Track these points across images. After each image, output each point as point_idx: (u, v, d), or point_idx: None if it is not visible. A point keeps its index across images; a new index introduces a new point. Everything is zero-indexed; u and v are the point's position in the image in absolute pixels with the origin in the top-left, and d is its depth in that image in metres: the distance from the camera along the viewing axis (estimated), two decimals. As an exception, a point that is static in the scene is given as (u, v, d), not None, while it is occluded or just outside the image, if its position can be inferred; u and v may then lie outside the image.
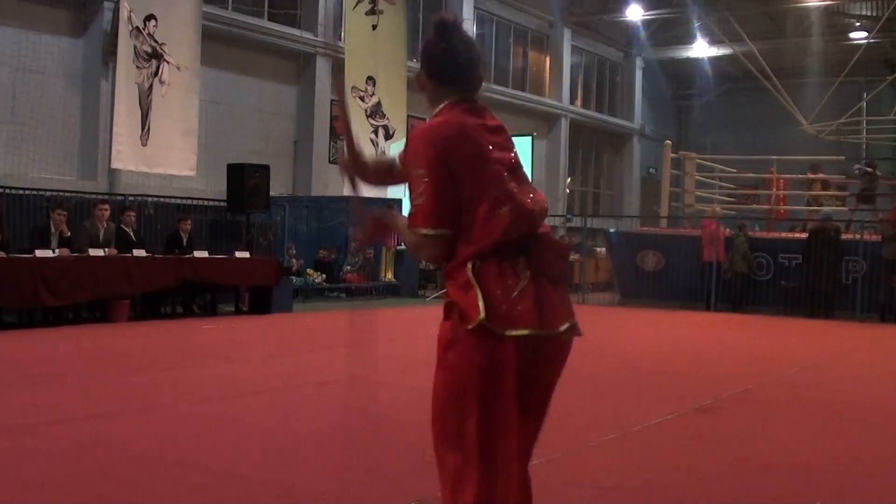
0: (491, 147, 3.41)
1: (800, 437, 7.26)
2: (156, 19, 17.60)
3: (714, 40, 35.48)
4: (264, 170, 18.23)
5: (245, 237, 18.25)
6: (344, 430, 6.89)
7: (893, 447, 7.05)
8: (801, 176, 23.84)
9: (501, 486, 3.31)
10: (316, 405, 7.99)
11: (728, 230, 20.52)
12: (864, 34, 32.66)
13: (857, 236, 19.09)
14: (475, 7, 31.96)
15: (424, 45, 3.70)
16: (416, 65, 20.81)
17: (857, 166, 22.70)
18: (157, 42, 17.61)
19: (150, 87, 17.58)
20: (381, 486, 5.43)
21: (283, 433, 6.77)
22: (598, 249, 27.39)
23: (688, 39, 37.25)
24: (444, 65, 3.57)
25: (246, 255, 16.95)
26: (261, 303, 16.96)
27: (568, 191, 37.57)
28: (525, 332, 3.22)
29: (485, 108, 3.58)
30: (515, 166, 3.48)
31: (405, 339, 13.44)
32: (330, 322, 16.37)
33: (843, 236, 19.10)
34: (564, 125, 36.43)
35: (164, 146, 17.82)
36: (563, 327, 3.34)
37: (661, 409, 8.01)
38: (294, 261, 20.34)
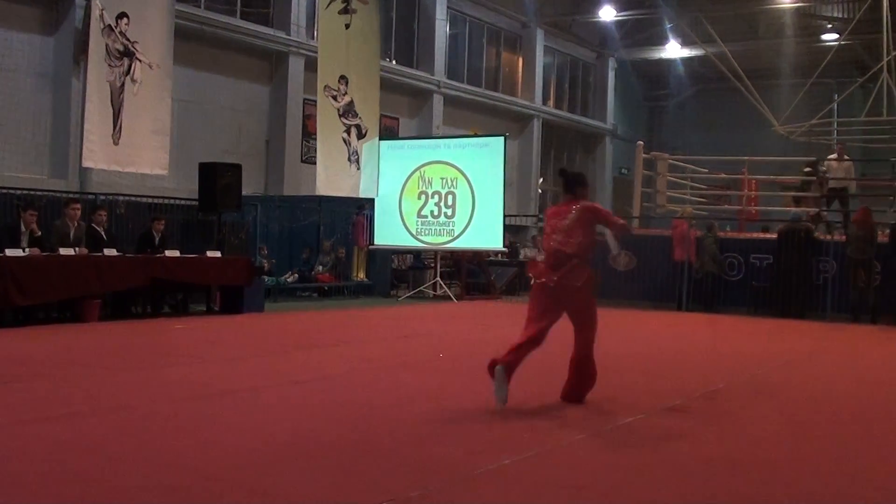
0: (556, 218, 8.13)
1: (770, 436, 7.30)
2: (128, 17, 17.49)
3: (686, 42, 35.63)
4: (236, 169, 18.19)
5: (217, 236, 18.19)
6: (317, 430, 6.89)
7: (863, 446, 7.10)
8: (772, 177, 23.97)
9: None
10: (290, 405, 7.97)
11: (699, 231, 20.60)
12: (835, 36, 32.89)
13: (828, 237, 19.27)
14: (448, 7, 31.97)
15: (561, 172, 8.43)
16: (388, 64, 20.94)
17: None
18: (129, 40, 17.50)
19: (122, 85, 17.47)
20: (355, 485, 5.43)
21: (257, 433, 6.75)
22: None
23: (660, 41, 37.40)
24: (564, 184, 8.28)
25: (217, 254, 16.89)
26: (232, 302, 16.90)
27: (540, 191, 37.65)
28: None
29: (575, 200, 8.15)
30: (561, 228, 8.01)
31: (378, 340, 13.45)
32: (302, 322, 16.36)
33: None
34: (537, 125, 36.52)
35: (135, 145, 17.71)
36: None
37: (632, 408, 8.05)
38: (265, 261, 20.30)
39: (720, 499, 5.49)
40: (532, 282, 8.22)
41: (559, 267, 7.85)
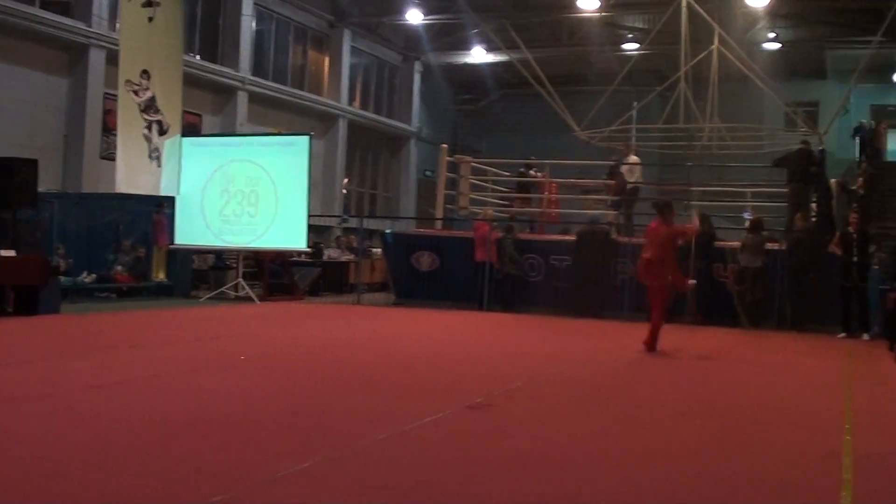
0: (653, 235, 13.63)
1: (568, 432, 7.48)
2: (-84, 4, 16.75)
3: (492, 47, 36.20)
4: (32, 164, 17.58)
5: (11, 234, 17.57)
6: (114, 435, 6.73)
7: (655, 440, 7.32)
8: (571, 179, 24.56)
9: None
10: (84, 410, 7.74)
11: (500, 232, 20.97)
12: (636, 46, 34.01)
13: (626, 239, 19.88)
14: (255, 3, 31.69)
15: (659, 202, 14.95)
16: (192, 59, 20.63)
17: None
18: (-83, 28, 16.77)
19: None
20: (154, 490, 5.33)
21: (48, 440, 6.54)
22: (374, 250, 27.59)
23: (466, 45, 37.88)
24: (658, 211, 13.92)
25: (11, 253, 16.33)
26: (27, 303, 16.31)
27: (345, 191, 37.67)
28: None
29: (664, 224, 13.55)
30: (651, 241, 13.55)
31: (178, 342, 13.22)
32: (101, 323, 15.96)
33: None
34: (342, 125, 36.54)
35: (-77, 137, 16.98)
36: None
37: (434, 407, 8.12)
38: (62, 260, 19.73)
39: (520, 496, 5.59)
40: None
41: (649, 270, 13.38)
